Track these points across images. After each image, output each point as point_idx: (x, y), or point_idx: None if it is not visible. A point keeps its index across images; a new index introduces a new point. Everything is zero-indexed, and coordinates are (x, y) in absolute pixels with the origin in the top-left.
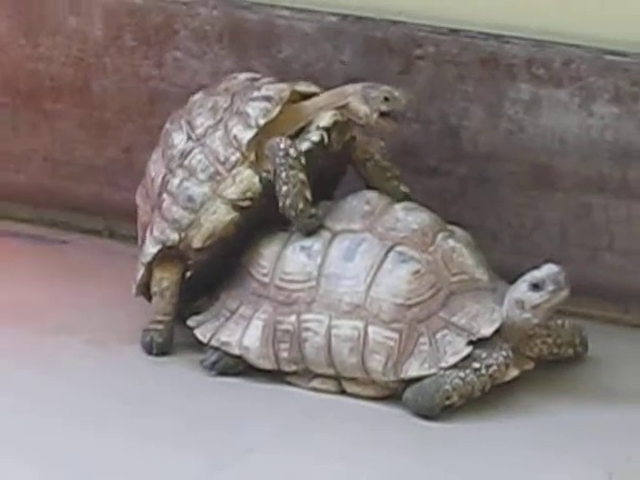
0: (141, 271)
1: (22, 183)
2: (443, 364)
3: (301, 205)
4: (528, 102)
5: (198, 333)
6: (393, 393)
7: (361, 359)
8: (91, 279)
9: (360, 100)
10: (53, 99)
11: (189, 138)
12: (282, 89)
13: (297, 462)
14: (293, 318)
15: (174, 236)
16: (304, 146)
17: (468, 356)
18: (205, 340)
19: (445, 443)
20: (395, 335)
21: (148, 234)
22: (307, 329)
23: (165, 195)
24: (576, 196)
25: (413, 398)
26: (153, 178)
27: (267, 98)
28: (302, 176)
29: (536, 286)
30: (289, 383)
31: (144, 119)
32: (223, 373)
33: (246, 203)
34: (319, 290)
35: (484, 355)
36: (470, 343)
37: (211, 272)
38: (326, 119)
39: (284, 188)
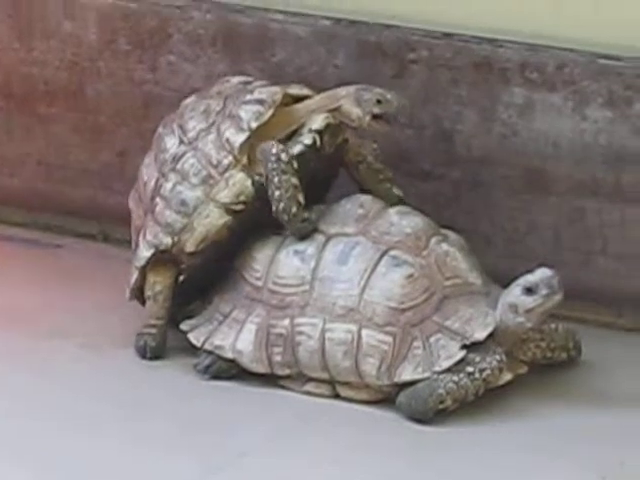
0: (135, 275)
1: (16, 187)
2: (437, 368)
3: (294, 209)
4: (522, 106)
5: (191, 337)
6: (387, 397)
7: (355, 363)
8: (85, 283)
9: (352, 103)
10: (47, 103)
11: (181, 142)
12: (274, 92)
13: (290, 466)
14: (287, 322)
15: (167, 240)
16: (296, 149)
17: (462, 360)
18: (198, 344)
19: (439, 447)
20: (389, 339)
21: (141, 238)
22: (301, 333)
23: (158, 199)
24: (570, 200)
25: (407, 402)
26: (146, 182)
27: (259, 101)
28: (294, 180)
29: (530, 290)
30: (282, 387)
31: (138, 123)
32: (216, 377)
33: (239, 207)
34: (313, 294)
35: (478, 359)
36: (464, 347)
37: (204, 276)
38: (318, 122)
39: (277, 193)
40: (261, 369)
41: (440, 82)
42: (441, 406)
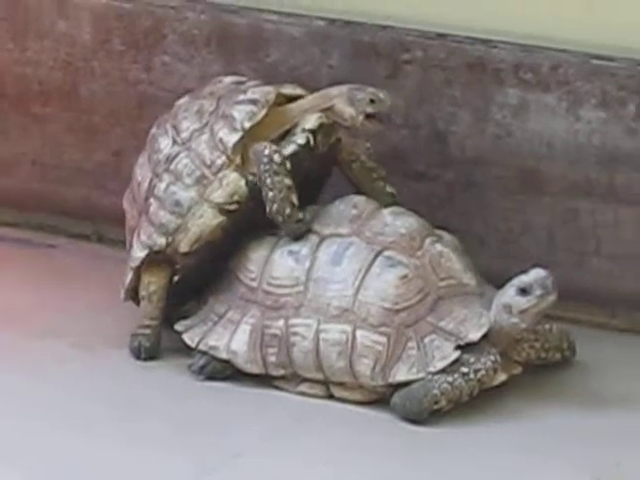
0: (129, 275)
1: (11, 187)
2: (431, 369)
3: (288, 210)
4: (515, 107)
5: (186, 337)
6: (381, 397)
7: (349, 363)
8: (79, 283)
9: (345, 102)
10: (42, 103)
11: (175, 142)
12: (268, 92)
13: (285, 466)
14: (281, 322)
15: (161, 240)
16: (290, 149)
17: (456, 361)
18: (193, 344)
19: (433, 447)
20: (383, 339)
21: (135, 239)
22: (295, 333)
23: (152, 200)
24: (563, 201)
25: (401, 403)
26: (140, 182)
27: (253, 101)
28: (288, 181)
29: (524, 291)
30: (277, 387)
31: (133, 123)
32: (211, 377)
33: (233, 207)
34: (307, 294)
35: (472, 360)
36: (458, 348)
37: (199, 276)
38: (312, 121)
39: (270, 194)
40: (255, 370)
41: (434, 83)
42: (435, 407)
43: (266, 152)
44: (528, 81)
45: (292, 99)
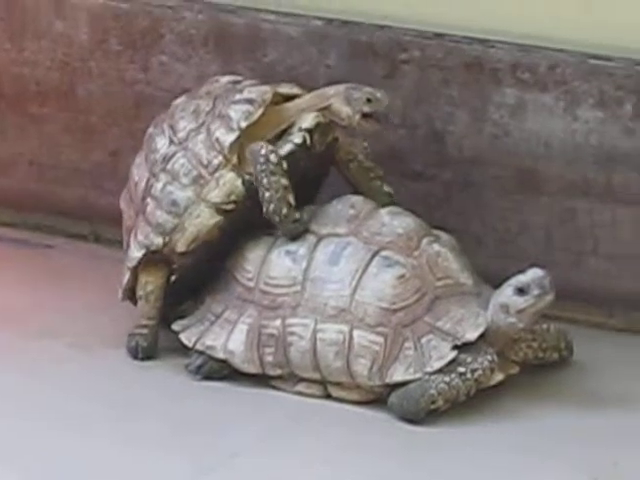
0: (127, 275)
1: (8, 187)
2: (428, 369)
3: (285, 210)
4: (513, 106)
5: (183, 337)
6: (378, 397)
7: (346, 363)
8: (76, 283)
9: (342, 101)
10: (39, 103)
11: (171, 142)
12: (264, 91)
13: (282, 466)
14: (278, 322)
15: (158, 240)
16: (286, 148)
17: (453, 360)
18: (190, 344)
19: (430, 447)
20: (380, 339)
21: (132, 239)
22: (292, 333)
23: (149, 199)
24: (561, 200)
25: (398, 402)
26: (137, 182)
27: (249, 101)
28: (284, 181)
29: (521, 290)
30: (274, 387)
31: (130, 123)
32: (208, 377)
33: (230, 206)
34: (304, 294)
35: (469, 359)
36: (455, 348)
37: (196, 276)
38: (308, 120)
39: (267, 194)
40: (252, 369)
41: (431, 82)
42: (433, 406)
43: (262, 152)
44: (525, 81)
45: (289, 98)
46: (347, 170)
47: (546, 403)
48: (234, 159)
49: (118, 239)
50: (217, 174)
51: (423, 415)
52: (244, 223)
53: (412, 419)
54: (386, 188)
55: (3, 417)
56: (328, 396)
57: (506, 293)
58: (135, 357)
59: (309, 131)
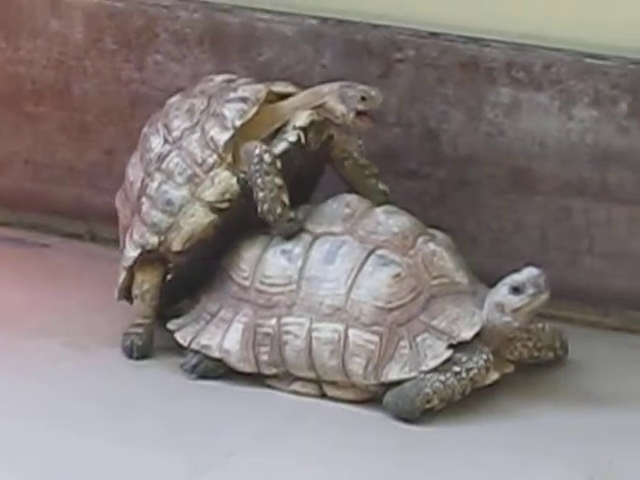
0: (123, 275)
1: (3, 186)
2: (423, 368)
3: (279, 210)
4: (508, 105)
5: (178, 336)
6: (373, 396)
7: (341, 362)
8: (72, 282)
9: (337, 99)
10: (34, 102)
11: (166, 141)
12: (258, 90)
13: (277, 465)
14: (273, 321)
15: (153, 240)
16: (281, 146)
17: (448, 360)
18: (185, 343)
19: (425, 446)
20: (375, 338)
21: (128, 238)
22: (287, 332)
23: (144, 199)
24: (556, 199)
25: (393, 401)
26: (132, 182)
27: (243, 99)
28: (278, 181)
29: (516, 289)
30: (269, 386)
31: (125, 122)
32: (203, 376)
33: (225, 205)
34: (300, 293)
35: (464, 359)
36: (450, 347)
37: (191, 275)
38: (303, 119)
39: (261, 194)
40: (248, 368)
41: (427, 81)
42: (428, 405)
43: (256, 152)
44: (521, 80)
45: (283, 97)
46: (342, 168)
47: (541, 402)
48: (229, 158)
49: (114, 238)
50: (212, 173)
51: (418, 414)
52: (239, 222)
53: (407, 418)
54: (381, 186)
55: None
56: (323, 395)
57: (501, 292)
58: (130, 356)
59: (303, 129)
